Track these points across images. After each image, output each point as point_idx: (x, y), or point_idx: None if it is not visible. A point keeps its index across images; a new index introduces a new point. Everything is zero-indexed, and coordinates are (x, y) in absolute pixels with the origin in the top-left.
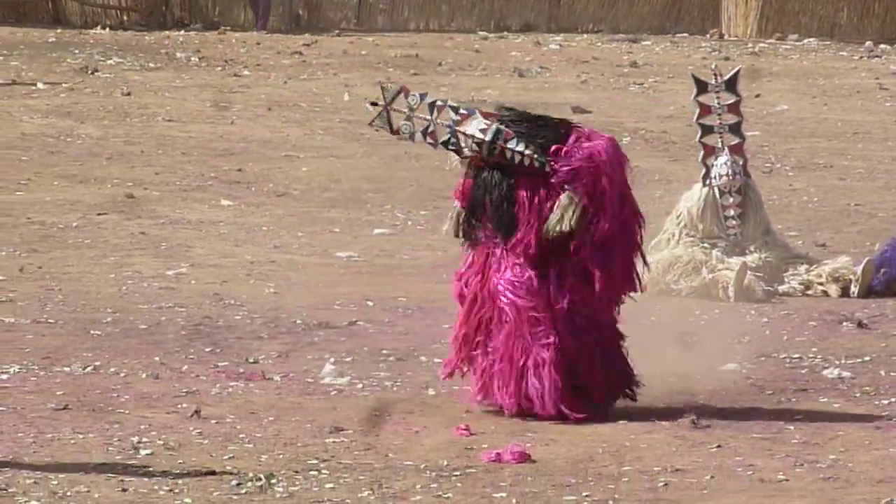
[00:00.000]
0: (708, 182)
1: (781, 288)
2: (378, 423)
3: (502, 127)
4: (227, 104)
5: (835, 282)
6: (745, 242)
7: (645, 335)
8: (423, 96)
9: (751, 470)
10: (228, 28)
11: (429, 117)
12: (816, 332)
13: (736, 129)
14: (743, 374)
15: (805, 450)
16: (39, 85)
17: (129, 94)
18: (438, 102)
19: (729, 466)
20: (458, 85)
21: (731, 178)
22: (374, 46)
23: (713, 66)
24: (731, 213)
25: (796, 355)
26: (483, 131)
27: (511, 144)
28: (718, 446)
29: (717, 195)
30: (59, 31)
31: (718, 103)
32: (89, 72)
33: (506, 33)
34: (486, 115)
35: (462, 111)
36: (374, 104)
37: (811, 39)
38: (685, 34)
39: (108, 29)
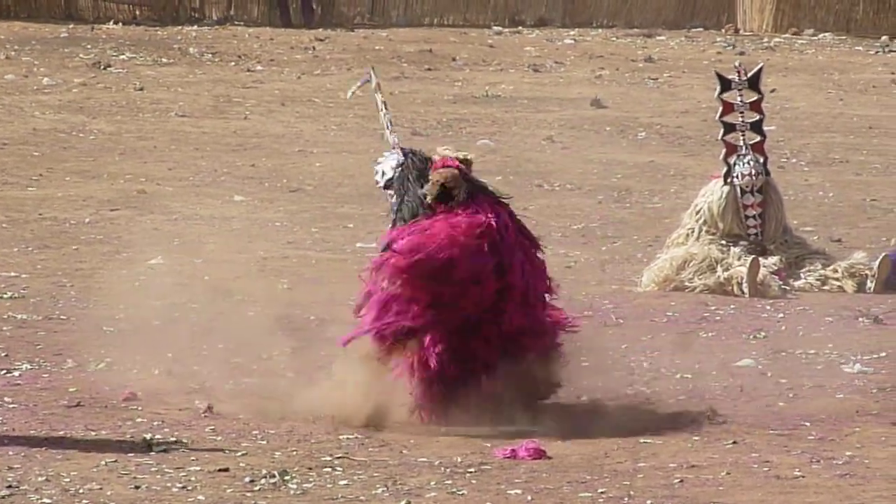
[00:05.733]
0: (730, 180)
1: (797, 283)
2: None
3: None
4: (229, 102)
5: (850, 277)
6: (766, 242)
7: (659, 332)
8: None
9: (767, 466)
10: (241, 24)
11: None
12: (832, 327)
13: (757, 126)
14: (759, 369)
15: (821, 446)
16: (45, 80)
17: (141, 89)
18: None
19: (745, 463)
20: (472, 80)
21: (753, 177)
22: (389, 41)
23: (737, 63)
24: (752, 212)
25: (812, 351)
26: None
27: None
28: (734, 442)
29: (739, 194)
30: (71, 26)
31: (741, 101)
32: (102, 67)
33: (520, 28)
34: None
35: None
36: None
37: (827, 34)
38: (700, 29)
39: (120, 24)
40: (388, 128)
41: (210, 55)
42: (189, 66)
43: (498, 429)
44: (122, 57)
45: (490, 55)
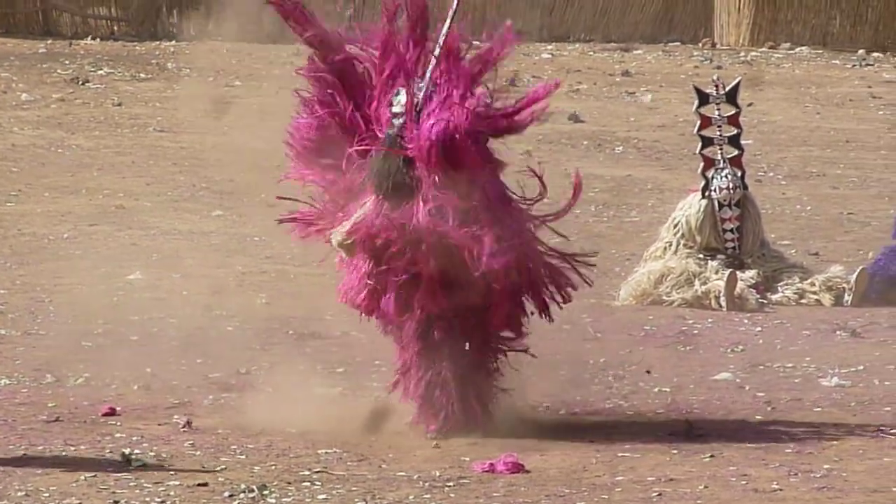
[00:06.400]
0: (707, 194)
1: (774, 297)
2: (377, 426)
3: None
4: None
5: (828, 290)
6: (743, 256)
7: (637, 345)
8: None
9: (745, 480)
10: (218, 38)
11: None
12: (810, 341)
13: (735, 140)
14: (737, 383)
15: (799, 459)
16: (23, 96)
17: (120, 104)
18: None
19: (723, 476)
20: None
21: (731, 191)
22: None
23: (715, 77)
24: (730, 226)
25: (790, 364)
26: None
27: None
28: (712, 456)
29: (717, 208)
30: (49, 42)
31: (719, 115)
32: (80, 83)
33: None
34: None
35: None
36: None
37: (804, 48)
38: (677, 43)
39: (98, 40)
40: (441, 37)
41: (188, 70)
42: (167, 82)
43: (476, 442)
44: (100, 72)
45: None
